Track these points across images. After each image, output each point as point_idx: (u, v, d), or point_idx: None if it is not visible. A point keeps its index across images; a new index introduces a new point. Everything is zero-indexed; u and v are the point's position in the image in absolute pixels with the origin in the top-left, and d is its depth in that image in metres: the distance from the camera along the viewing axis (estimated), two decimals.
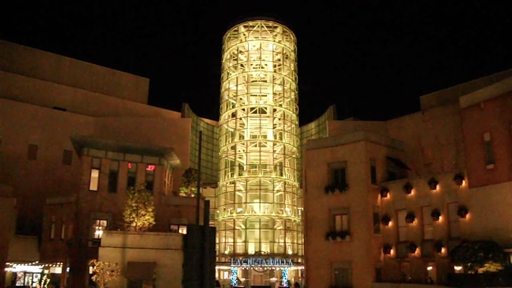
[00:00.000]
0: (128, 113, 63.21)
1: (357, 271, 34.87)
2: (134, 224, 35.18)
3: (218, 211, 55.23)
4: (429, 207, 33.20)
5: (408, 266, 34.00)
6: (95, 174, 40.74)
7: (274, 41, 58.06)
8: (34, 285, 43.29)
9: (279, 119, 57.08)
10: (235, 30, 58.60)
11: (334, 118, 63.25)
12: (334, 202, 37.25)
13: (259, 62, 57.58)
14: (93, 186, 40.42)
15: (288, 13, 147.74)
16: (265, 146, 55.65)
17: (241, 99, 57.26)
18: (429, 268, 32.82)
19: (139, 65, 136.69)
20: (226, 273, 53.20)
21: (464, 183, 31.28)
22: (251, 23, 57.77)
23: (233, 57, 59.50)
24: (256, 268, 50.19)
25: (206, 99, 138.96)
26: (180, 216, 41.40)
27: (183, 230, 39.56)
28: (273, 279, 51.26)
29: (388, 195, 36.10)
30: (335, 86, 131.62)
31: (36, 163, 53.58)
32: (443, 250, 31.59)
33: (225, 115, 57.46)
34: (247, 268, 50.95)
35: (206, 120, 70.06)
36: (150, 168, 42.59)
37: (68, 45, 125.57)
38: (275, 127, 56.52)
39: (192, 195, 44.05)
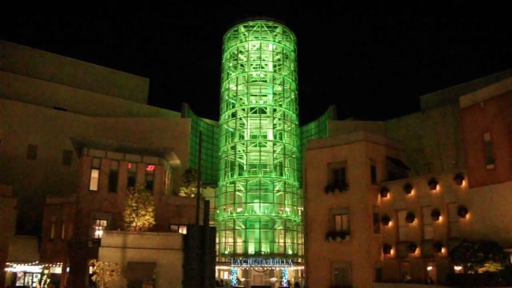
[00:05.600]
0: (128, 113, 63.19)
1: (357, 271, 34.87)
2: (134, 224, 35.19)
3: (218, 211, 55.22)
4: (429, 207, 33.20)
5: (408, 266, 34.00)
6: (95, 174, 40.74)
7: (274, 41, 58.06)
8: (34, 285, 43.25)
9: (279, 119, 57.07)
10: (235, 30, 58.60)
11: (334, 118, 63.23)
12: (334, 202, 37.26)
13: (259, 62, 57.59)
14: (93, 186, 40.42)
15: (288, 13, 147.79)
16: (265, 146, 55.65)
17: (241, 99, 57.26)
18: (429, 268, 32.83)
19: (139, 65, 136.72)
20: (226, 273, 53.21)
21: (464, 183, 31.28)
22: (251, 23, 57.78)
23: (233, 57, 59.51)
24: (256, 268, 50.20)
25: (206, 99, 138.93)
26: (180, 216, 41.41)
27: (183, 230, 39.56)
28: (273, 279, 51.28)
29: (388, 195, 36.10)
30: (335, 86, 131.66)
31: (36, 163, 53.55)
32: (443, 250, 31.59)
33: (225, 115, 57.46)
34: (247, 268, 50.97)
35: (206, 120, 70.04)
36: (150, 168, 42.58)
37: (68, 45, 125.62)
38: (275, 127, 56.52)
39: (192, 195, 44.05)
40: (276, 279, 51.30)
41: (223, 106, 58.27)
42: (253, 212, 52.69)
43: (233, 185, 54.47)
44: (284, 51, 58.70)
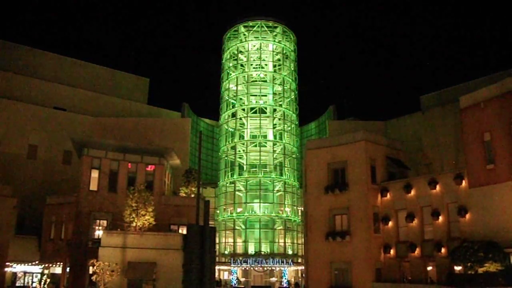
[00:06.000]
0: (128, 113, 63.21)
1: (357, 271, 34.87)
2: (134, 224, 35.21)
3: (218, 211, 55.22)
4: (429, 207, 33.19)
5: (408, 266, 34.00)
6: (95, 174, 40.75)
7: (274, 41, 58.06)
8: (34, 285, 43.28)
9: (279, 119, 57.08)
10: (235, 30, 58.61)
11: (334, 118, 63.25)
12: (334, 202, 37.25)
13: (259, 62, 57.59)
14: (93, 186, 40.43)
15: (288, 13, 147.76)
16: (265, 146, 55.65)
17: (241, 99, 57.27)
18: (429, 268, 32.83)
19: (139, 65, 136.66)
20: (226, 273, 53.21)
21: (464, 183, 31.28)
22: (251, 23, 57.79)
23: (233, 57, 59.52)
24: (256, 268, 50.19)
25: (206, 99, 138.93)
26: (180, 216, 41.41)
27: (183, 230, 39.59)
28: (273, 279, 51.27)
29: (388, 195, 36.09)
30: (335, 86, 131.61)
31: (36, 163, 53.56)
32: (443, 250, 31.59)
33: (225, 115, 57.46)
34: (247, 268, 50.96)
35: (206, 120, 70.08)
36: (150, 168, 42.59)
37: (68, 45, 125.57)
38: (275, 127, 56.52)
39: (192, 195, 44.07)
40: (276, 279, 51.28)
41: (223, 106, 58.27)
42: (253, 212, 52.68)
43: (233, 185, 54.46)
44: (284, 51, 58.70)
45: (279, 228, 53.43)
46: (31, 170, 52.68)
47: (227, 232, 53.64)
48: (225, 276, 53.16)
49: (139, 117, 62.82)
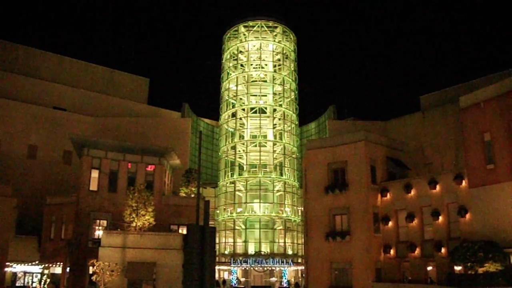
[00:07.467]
0: (128, 113, 63.18)
1: (357, 271, 34.87)
2: (134, 224, 35.20)
3: (218, 211, 55.21)
4: (429, 207, 33.18)
5: (408, 266, 34.00)
6: (95, 174, 40.73)
7: (274, 41, 58.05)
8: (34, 285, 43.26)
9: (279, 119, 57.07)
10: (235, 30, 58.60)
11: (334, 118, 63.24)
12: (334, 202, 37.24)
13: (259, 62, 57.58)
14: (93, 186, 40.41)
15: (288, 13, 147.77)
16: (265, 146, 55.64)
17: (241, 99, 57.26)
18: (429, 268, 32.82)
19: (139, 65, 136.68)
20: (226, 273, 53.21)
21: (464, 183, 31.27)
22: (251, 23, 57.77)
23: (233, 57, 59.50)
24: (256, 268, 50.18)
25: (206, 99, 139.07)
26: (180, 216, 41.40)
27: (183, 230, 39.60)
28: (273, 279, 51.25)
29: (388, 195, 36.08)
30: (335, 86, 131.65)
31: (36, 163, 53.55)
32: (443, 250, 31.59)
33: (225, 115, 57.45)
34: (247, 268, 50.95)
35: (206, 120, 70.06)
36: (150, 168, 42.57)
37: (68, 45, 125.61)
38: (275, 127, 56.50)
39: (192, 195, 44.07)
40: (276, 279, 51.26)
41: (223, 106, 58.25)
42: (253, 212, 52.67)
43: (233, 185, 54.44)
44: (284, 51, 58.68)
45: (279, 228, 53.41)
46: (31, 170, 52.67)
47: (227, 232, 53.63)
48: (225, 276, 53.16)
49: (139, 117, 62.79)
